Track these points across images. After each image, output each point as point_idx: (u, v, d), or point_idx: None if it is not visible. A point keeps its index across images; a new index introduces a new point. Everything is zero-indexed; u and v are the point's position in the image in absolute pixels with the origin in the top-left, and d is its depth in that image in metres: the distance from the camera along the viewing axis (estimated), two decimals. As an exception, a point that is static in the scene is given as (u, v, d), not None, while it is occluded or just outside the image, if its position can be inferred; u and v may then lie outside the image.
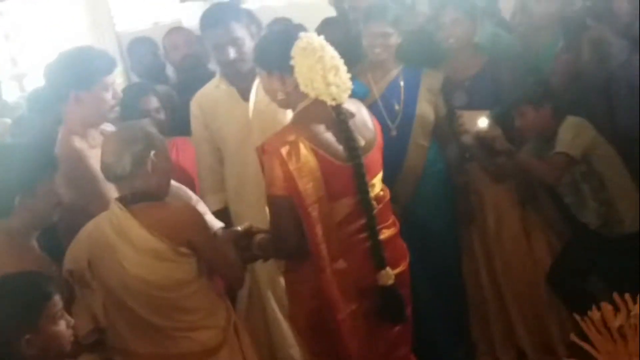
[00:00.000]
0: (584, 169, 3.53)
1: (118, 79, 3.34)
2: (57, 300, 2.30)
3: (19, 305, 2.24)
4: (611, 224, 3.58)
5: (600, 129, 3.60)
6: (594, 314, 2.57)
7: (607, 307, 2.57)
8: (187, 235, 2.69)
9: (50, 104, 3.60)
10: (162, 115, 3.76)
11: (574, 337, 2.64)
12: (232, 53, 3.37)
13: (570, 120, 3.55)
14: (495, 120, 3.63)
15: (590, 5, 3.97)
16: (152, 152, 2.71)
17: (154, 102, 3.76)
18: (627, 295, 2.54)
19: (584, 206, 3.60)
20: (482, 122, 3.61)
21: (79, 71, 3.09)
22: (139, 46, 4.72)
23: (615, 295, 2.58)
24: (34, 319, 2.23)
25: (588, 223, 3.63)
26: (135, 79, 4.77)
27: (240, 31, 3.39)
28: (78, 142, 3.08)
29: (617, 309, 2.57)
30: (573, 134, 3.50)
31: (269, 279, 3.44)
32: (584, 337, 2.62)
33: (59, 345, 2.29)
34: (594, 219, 3.60)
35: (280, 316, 3.43)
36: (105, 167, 2.74)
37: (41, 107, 3.76)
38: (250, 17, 3.69)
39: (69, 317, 2.35)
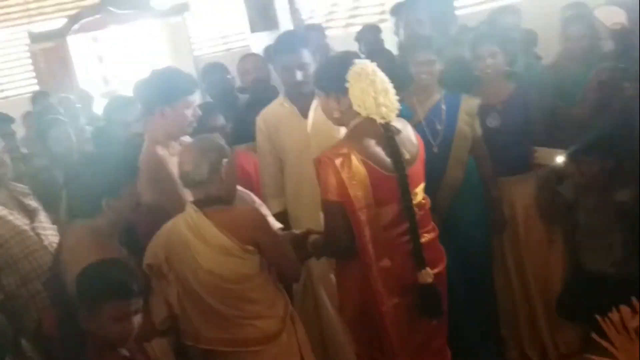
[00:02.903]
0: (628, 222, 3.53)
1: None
2: (132, 303, 2.29)
3: (92, 289, 2.27)
4: (626, 270, 3.52)
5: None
6: (614, 315, 2.53)
7: (625, 309, 2.53)
8: (253, 234, 2.73)
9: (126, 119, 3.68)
10: (228, 130, 3.81)
11: (595, 336, 2.60)
12: (299, 76, 3.41)
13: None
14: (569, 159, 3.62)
15: (624, 67, 3.87)
16: (224, 161, 2.75)
17: (220, 120, 3.81)
18: (644, 300, 2.50)
19: (610, 251, 3.58)
20: (560, 158, 3.61)
21: (166, 89, 3.13)
22: (212, 70, 4.76)
23: (633, 300, 2.54)
24: (98, 308, 2.25)
25: (604, 271, 3.59)
26: (208, 99, 4.82)
27: (307, 57, 3.42)
28: (160, 150, 3.12)
29: (634, 312, 2.53)
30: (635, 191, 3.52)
31: (321, 274, 3.45)
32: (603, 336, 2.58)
33: (115, 337, 2.30)
34: (611, 269, 3.58)
35: (330, 308, 3.42)
36: (184, 175, 2.78)
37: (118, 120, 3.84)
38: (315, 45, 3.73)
39: (138, 319, 2.33)
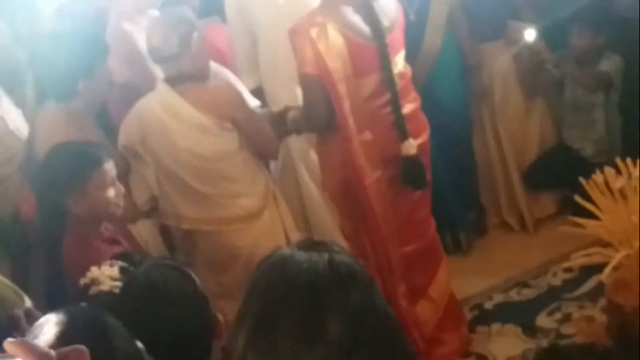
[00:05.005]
0: (610, 98, 3.64)
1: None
2: (108, 168, 2.28)
3: (69, 168, 2.25)
4: (602, 153, 3.64)
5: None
6: (598, 176, 2.58)
7: (609, 170, 2.57)
8: (230, 111, 2.69)
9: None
10: (195, 2, 3.66)
11: (578, 199, 2.66)
12: None
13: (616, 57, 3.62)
14: (542, 34, 3.62)
15: None
16: (195, 34, 2.66)
17: None
18: (628, 160, 2.55)
19: (592, 128, 3.68)
20: (529, 34, 3.59)
21: None
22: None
23: (618, 159, 2.58)
24: (82, 183, 2.24)
25: (581, 149, 3.73)
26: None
27: None
28: (128, 26, 3.03)
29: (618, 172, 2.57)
30: (618, 63, 3.60)
31: (301, 151, 3.43)
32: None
33: (106, 208, 2.30)
34: (590, 146, 3.71)
35: (311, 185, 3.42)
36: (152, 49, 2.70)
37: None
38: None
39: (120, 186, 2.34)
